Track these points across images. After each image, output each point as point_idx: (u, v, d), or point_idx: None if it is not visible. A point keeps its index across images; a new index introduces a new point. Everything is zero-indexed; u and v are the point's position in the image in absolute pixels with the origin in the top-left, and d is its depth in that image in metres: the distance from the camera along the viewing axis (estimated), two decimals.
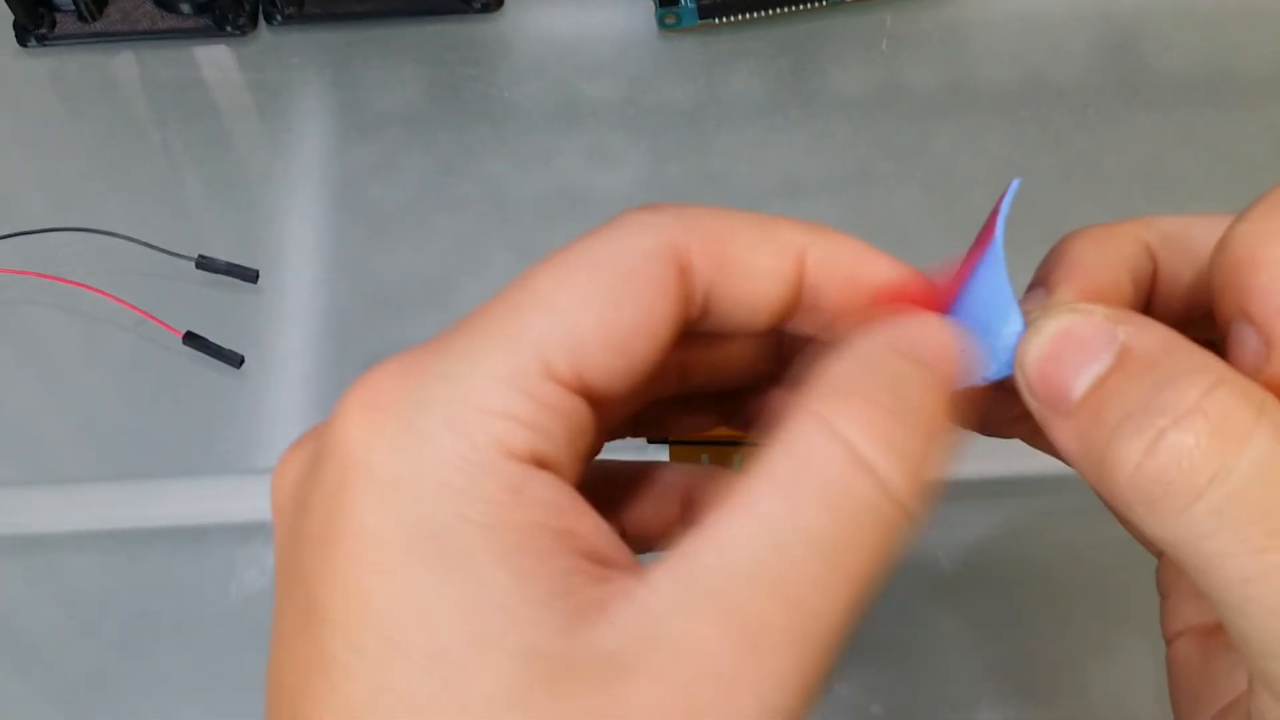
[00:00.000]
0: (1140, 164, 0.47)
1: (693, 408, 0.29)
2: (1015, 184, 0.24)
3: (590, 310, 0.23)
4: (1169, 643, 0.29)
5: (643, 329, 0.23)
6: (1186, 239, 0.25)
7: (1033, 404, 0.22)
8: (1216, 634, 0.28)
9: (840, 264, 0.25)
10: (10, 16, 0.50)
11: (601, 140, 0.48)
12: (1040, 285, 0.25)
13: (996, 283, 0.23)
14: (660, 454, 0.37)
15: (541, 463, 0.23)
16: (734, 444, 0.35)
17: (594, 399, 0.23)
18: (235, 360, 0.44)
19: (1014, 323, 0.23)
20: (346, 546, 0.22)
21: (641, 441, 0.36)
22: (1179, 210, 0.26)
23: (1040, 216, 0.35)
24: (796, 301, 0.25)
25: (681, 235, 0.24)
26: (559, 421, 0.23)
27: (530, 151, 0.48)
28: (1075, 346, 0.22)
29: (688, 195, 0.47)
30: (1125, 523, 0.26)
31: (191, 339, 0.44)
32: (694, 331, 0.25)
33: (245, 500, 0.41)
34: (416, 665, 0.21)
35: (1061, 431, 0.22)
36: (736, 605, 0.21)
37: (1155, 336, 0.22)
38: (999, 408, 0.26)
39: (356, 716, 0.21)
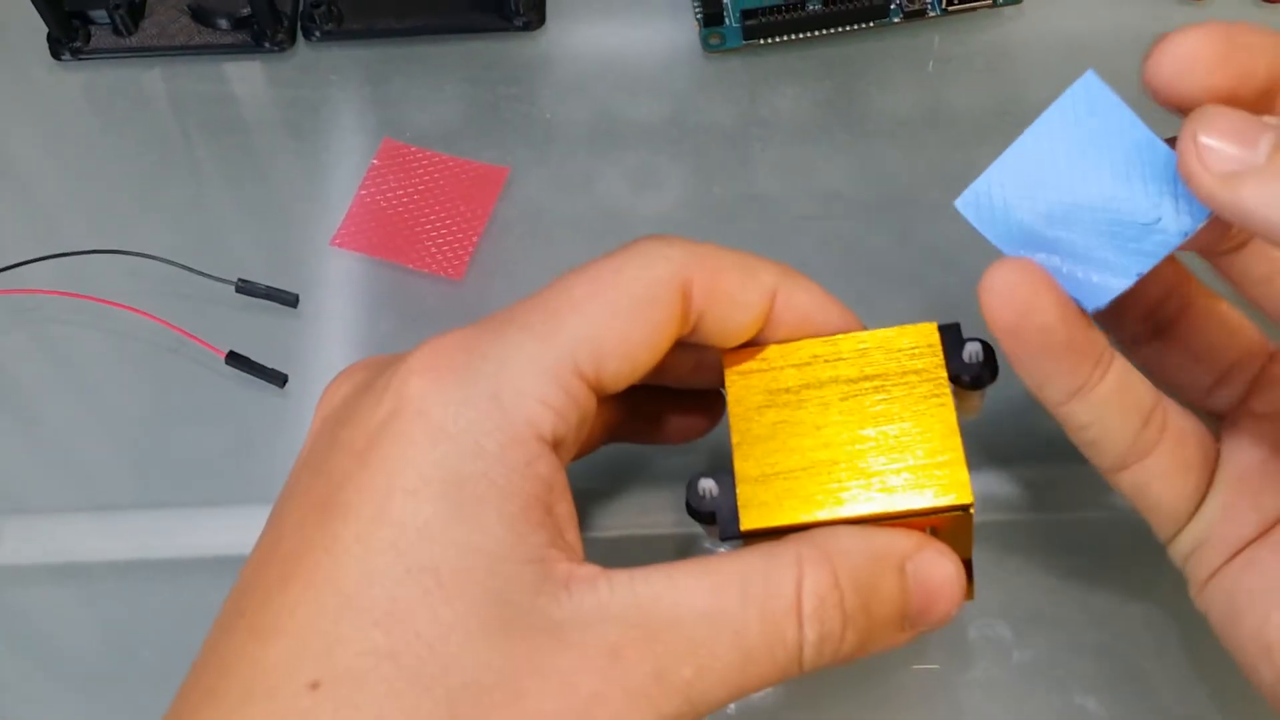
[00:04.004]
0: None
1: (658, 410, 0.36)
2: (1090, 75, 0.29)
3: (616, 324, 0.29)
4: (1204, 587, 0.31)
5: (651, 343, 0.29)
6: None
7: (1204, 180, 0.26)
8: None
9: (800, 307, 0.31)
10: (44, 29, 0.49)
11: (644, 161, 0.48)
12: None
13: (1130, 142, 0.29)
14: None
15: (557, 444, 0.28)
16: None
17: (600, 395, 0.29)
18: (279, 380, 0.43)
19: (1161, 151, 0.28)
20: (385, 465, 0.27)
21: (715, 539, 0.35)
22: None
23: None
24: (761, 328, 0.31)
25: (688, 269, 0.29)
26: (576, 411, 0.28)
27: (572, 171, 0.47)
28: (1237, 127, 0.26)
29: (731, 217, 0.46)
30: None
31: (234, 359, 0.43)
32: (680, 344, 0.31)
33: None
34: (406, 570, 0.26)
35: (1253, 192, 0.26)
36: (659, 653, 0.26)
37: None
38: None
39: (345, 593, 0.26)
